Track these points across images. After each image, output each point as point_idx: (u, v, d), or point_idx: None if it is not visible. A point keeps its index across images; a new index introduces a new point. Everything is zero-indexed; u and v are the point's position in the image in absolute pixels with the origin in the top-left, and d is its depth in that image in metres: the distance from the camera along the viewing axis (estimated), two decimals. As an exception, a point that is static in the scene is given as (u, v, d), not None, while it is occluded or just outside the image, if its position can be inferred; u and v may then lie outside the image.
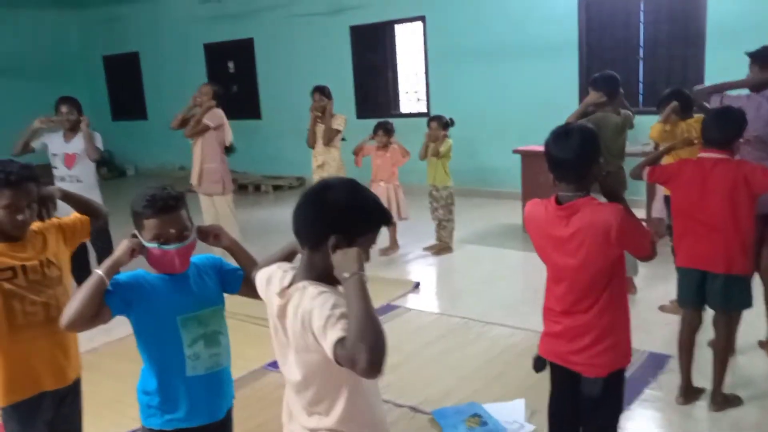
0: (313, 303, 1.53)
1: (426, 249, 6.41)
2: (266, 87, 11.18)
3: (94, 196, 4.99)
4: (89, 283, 1.90)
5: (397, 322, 4.62)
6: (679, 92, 4.58)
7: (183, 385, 2.05)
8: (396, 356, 3.97)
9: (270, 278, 1.72)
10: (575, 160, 2.24)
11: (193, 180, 5.89)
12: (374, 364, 1.39)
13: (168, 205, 1.97)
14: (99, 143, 5.09)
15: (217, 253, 2.39)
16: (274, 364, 3.94)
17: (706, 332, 3.47)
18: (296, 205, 1.65)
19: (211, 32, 11.53)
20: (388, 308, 4.87)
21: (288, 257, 1.83)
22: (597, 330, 2.31)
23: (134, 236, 2.01)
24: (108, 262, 1.95)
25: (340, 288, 1.57)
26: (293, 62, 10.54)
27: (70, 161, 5.01)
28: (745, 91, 3.97)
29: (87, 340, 2.03)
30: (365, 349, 1.38)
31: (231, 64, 11.66)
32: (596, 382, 2.34)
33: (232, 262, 2.21)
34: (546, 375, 2.55)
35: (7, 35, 12.44)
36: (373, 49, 9.92)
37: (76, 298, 1.91)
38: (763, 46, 3.92)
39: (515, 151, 7.00)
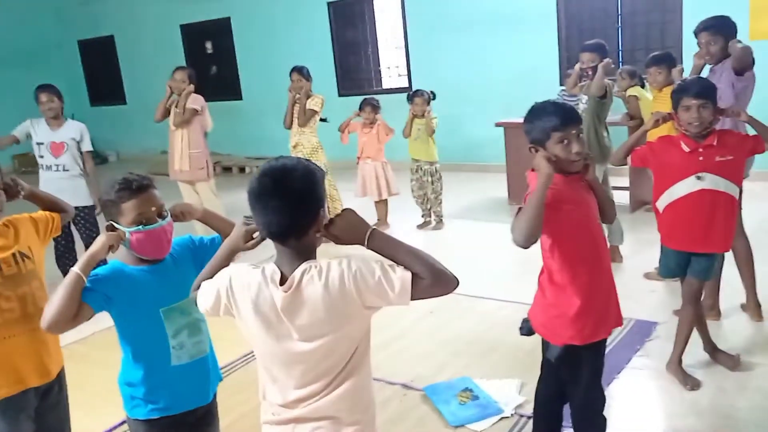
0: (353, 267, 1.57)
1: (420, 227, 6.39)
2: (246, 67, 11.04)
3: (81, 185, 4.96)
4: (66, 282, 1.87)
5: (387, 299, 4.61)
6: (666, 57, 4.52)
7: (168, 375, 2.04)
8: (387, 334, 3.99)
9: (236, 279, 1.65)
10: None
11: (179, 166, 5.70)
12: (454, 275, 1.57)
13: (142, 184, 1.96)
14: (87, 140, 5.04)
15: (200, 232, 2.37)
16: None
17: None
18: (268, 209, 1.57)
19: (188, 12, 11.35)
20: (377, 286, 4.86)
21: (228, 261, 1.78)
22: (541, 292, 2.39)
23: (111, 228, 1.97)
24: (84, 258, 1.91)
25: None
26: (272, 41, 10.41)
27: (58, 150, 4.93)
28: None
29: (74, 330, 1.99)
30: (442, 267, 1.57)
31: (209, 45, 11.51)
32: (552, 349, 2.36)
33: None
34: (536, 348, 2.57)
35: (-20, 22, 12.20)
36: (352, 25, 9.82)
37: (54, 299, 1.86)
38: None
39: (498, 124, 6.99)
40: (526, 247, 2.19)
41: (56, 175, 4.91)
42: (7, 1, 12.53)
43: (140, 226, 1.95)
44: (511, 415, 3.12)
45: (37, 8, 13.08)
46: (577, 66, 4.82)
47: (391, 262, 1.59)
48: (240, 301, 1.65)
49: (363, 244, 1.61)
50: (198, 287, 1.76)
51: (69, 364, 2.50)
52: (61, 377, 2.42)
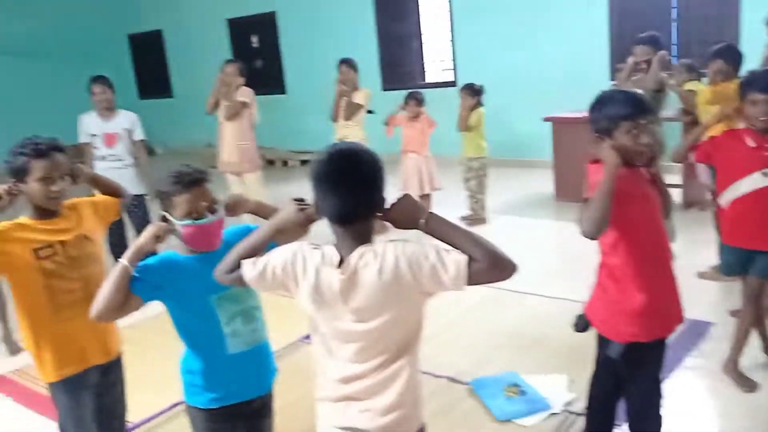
0: (408, 251, 1.57)
1: (462, 218, 6.35)
2: (290, 61, 11.11)
3: (133, 174, 5.06)
4: (113, 273, 1.88)
5: (431, 293, 4.58)
6: (729, 48, 4.28)
7: (226, 363, 2.03)
8: (431, 327, 3.92)
9: (298, 259, 1.67)
10: None
11: (228, 158, 5.77)
12: (512, 260, 1.54)
13: (196, 179, 1.96)
14: (139, 129, 5.11)
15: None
16: (309, 337, 3.96)
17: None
18: (337, 192, 1.59)
19: (234, 7, 11.47)
20: (421, 280, 4.83)
21: (269, 242, 1.79)
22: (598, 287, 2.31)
23: (163, 219, 1.98)
24: (132, 249, 1.92)
25: None
26: (317, 35, 10.45)
27: (111, 140, 5.02)
28: None
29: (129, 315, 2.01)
30: (500, 251, 1.53)
31: (255, 39, 11.61)
32: (614, 346, 2.29)
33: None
34: (585, 344, 2.51)
35: (34, 17, 12.52)
36: (397, 18, 9.79)
37: (102, 289, 1.88)
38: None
39: (546, 119, 6.88)
40: (594, 238, 2.14)
41: (109, 165, 5.00)
42: (58, -4, 12.87)
43: (191, 220, 1.95)
44: (560, 411, 3.07)
45: (88, 4, 13.38)
46: (630, 59, 4.72)
47: (448, 247, 1.57)
48: (300, 279, 1.67)
49: (420, 228, 1.60)
50: (234, 268, 1.75)
51: (125, 347, 2.56)
52: (119, 357, 2.51)
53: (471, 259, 1.53)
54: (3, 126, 10.15)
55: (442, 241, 1.59)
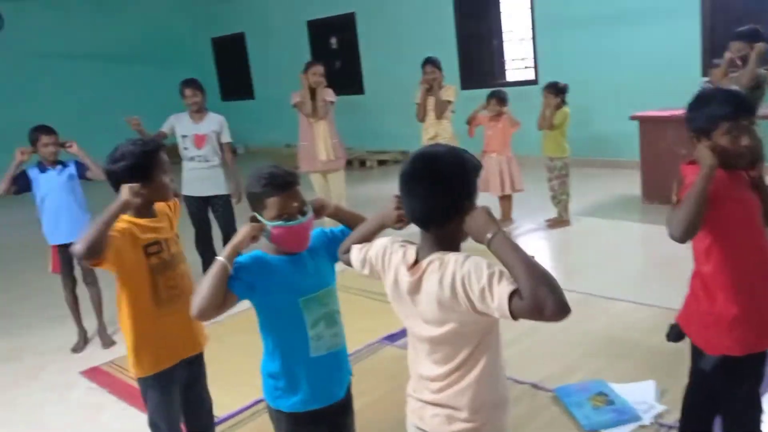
0: (464, 268, 1.51)
1: (547, 221, 6.20)
2: (368, 61, 11.18)
3: (220, 174, 5.21)
4: (213, 272, 1.90)
5: (512, 296, 4.49)
6: None
7: (307, 367, 2.04)
8: (514, 331, 3.87)
9: (387, 252, 1.73)
10: None
11: (325, 156, 5.84)
12: (563, 304, 1.39)
13: (287, 181, 1.97)
14: (226, 132, 5.23)
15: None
16: (390, 338, 3.96)
17: None
18: (413, 193, 1.60)
19: (314, 9, 11.64)
20: (502, 282, 4.75)
21: (376, 234, 1.86)
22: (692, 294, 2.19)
23: (254, 219, 2.00)
24: (229, 248, 1.94)
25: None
26: (395, 35, 10.47)
27: (200, 141, 5.17)
28: None
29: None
30: (548, 291, 1.38)
31: (333, 40, 11.73)
32: (707, 359, 2.16)
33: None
34: (678, 353, 2.38)
35: (123, 23, 13.14)
36: (477, 17, 9.68)
37: (201, 288, 1.89)
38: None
39: (633, 117, 6.64)
40: (683, 242, 2.03)
41: (198, 165, 5.16)
42: (145, 2, 13.40)
43: (282, 222, 1.96)
44: (651, 423, 2.93)
45: (173, 8, 13.91)
46: (727, 55, 4.48)
47: (505, 270, 1.49)
48: (386, 272, 1.73)
49: (485, 244, 1.53)
50: (347, 250, 1.89)
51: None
52: (202, 351, 2.59)
53: (516, 293, 1.42)
54: (96, 127, 10.65)
55: (501, 262, 1.50)
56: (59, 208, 4.17)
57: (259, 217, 1.99)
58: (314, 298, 2.03)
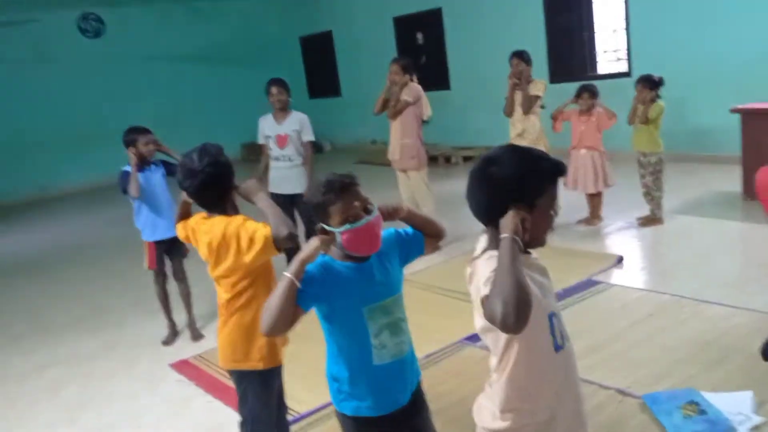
0: (479, 266, 1.62)
1: (639, 219, 5.94)
2: (455, 57, 11.08)
3: (302, 173, 5.26)
4: (282, 288, 1.87)
5: (600, 298, 4.35)
6: None
7: (369, 375, 2.03)
8: (600, 335, 3.75)
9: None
10: None
11: (392, 155, 5.95)
12: (507, 317, 1.42)
13: (345, 183, 1.96)
14: (307, 130, 5.27)
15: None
16: (471, 338, 3.90)
17: None
18: (466, 188, 1.70)
19: (400, 5, 11.64)
20: (589, 283, 4.60)
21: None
22: None
23: (322, 231, 1.98)
24: (296, 263, 1.90)
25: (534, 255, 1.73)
26: (482, 29, 10.32)
27: (282, 142, 5.25)
28: None
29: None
30: (500, 303, 1.44)
31: (419, 36, 11.71)
32: None
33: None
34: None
35: (215, 25, 13.64)
36: (567, 9, 9.40)
37: (271, 305, 1.87)
38: None
39: (734, 110, 6.26)
40: None
41: (282, 165, 5.25)
42: (236, 3, 13.82)
43: (349, 225, 1.94)
44: (747, 436, 2.76)
45: (263, 10, 14.27)
46: None
47: (522, 281, 1.52)
48: None
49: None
50: None
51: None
52: None
53: (486, 298, 1.52)
54: (189, 126, 11.10)
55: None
56: (158, 205, 4.34)
57: (327, 227, 1.96)
58: (379, 307, 2.01)
